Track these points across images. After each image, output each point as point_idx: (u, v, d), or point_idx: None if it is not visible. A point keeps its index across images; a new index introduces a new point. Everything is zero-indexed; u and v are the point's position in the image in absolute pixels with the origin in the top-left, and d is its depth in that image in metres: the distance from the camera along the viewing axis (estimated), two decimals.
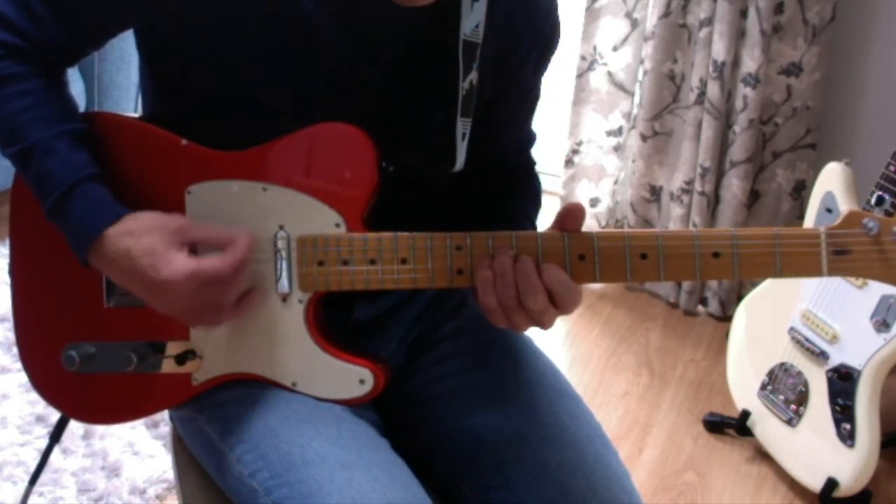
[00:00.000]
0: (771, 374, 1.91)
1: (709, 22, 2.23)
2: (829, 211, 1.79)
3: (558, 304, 0.88)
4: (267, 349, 0.98)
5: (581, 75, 2.50)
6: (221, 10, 0.89)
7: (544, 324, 0.89)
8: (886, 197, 1.67)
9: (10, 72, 0.92)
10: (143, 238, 0.90)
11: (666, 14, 2.31)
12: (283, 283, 0.95)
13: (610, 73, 2.48)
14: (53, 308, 1.03)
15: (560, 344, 2.33)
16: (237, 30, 0.90)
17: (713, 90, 2.26)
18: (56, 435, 1.17)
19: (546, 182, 1.16)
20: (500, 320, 0.90)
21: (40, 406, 1.88)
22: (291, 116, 0.93)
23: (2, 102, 0.92)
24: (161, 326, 0.99)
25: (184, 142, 0.96)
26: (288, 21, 0.90)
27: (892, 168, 1.68)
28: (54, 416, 1.81)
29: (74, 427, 1.80)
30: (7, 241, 1.05)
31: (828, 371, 1.77)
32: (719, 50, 2.22)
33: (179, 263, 0.89)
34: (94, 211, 0.92)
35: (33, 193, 0.94)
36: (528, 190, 1.13)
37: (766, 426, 1.93)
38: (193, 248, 0.92)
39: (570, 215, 0.89)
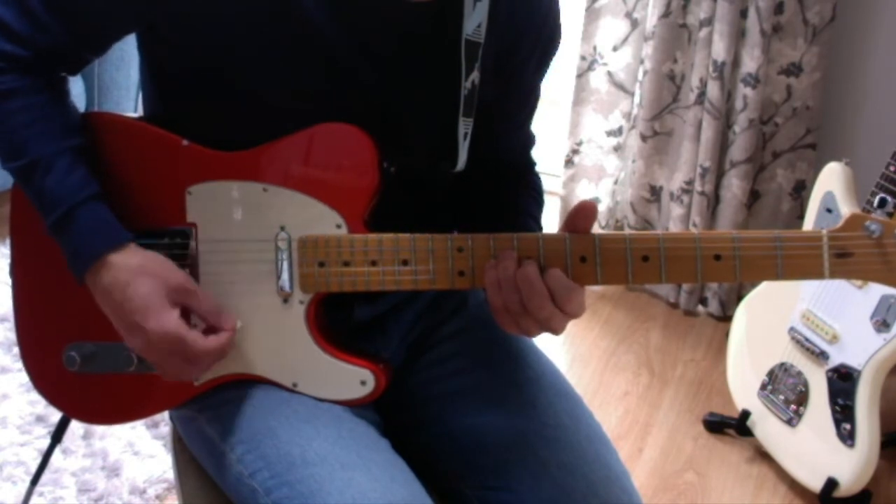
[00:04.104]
0: (771, 374, 1.91)
1: (709, 22, 2.23)
2: (829, 211, 1.79)
3: (560, 305, 0.87)
4: (268, 350, 0.98)
5: (581, 75, 2.50)
6: (222, 11, 0.89)
7: (553, 329, 0.89)
8: (889, 199, 1.67)
9: (12, 86, 0.92)
10: (143, 280, 0.91)
11: (666, 14, 2.31)
12: (284, 283, 0.95)
13: (610, 73, 2.48)
14: (54, 308, 1.03)
15: (560, 344, 2.34)
16: (237, 30, 0.90)
17: (713, 90, 2.26)
18: (57, 435, 1.17)
19: (546, 182, 1.16)
20: (510, 325, 0.90)
21: (40, 406, 1.87)
22: (292, 117, 0.93)
23: (5, 117, 0.92)
24: None
25: (184, 142, 0.96)
26: (288, 21, 0.90)
27: (892, 168, 1.68)
28: (54, 416, 1.81)
29: (74, 427, 1.80)
30: (7, 241, 1.05)
31: (828, 371, 1.77)
32: (719, 50, 2.22)
33: (168, 323, 0.90)
34: (94, 234, 0.92)
35: (35, 208, 0.94)
36: (530, 189, 1.13)
37: (766, 426, 1.93)
38: (185, 309, 0.94)
39: (582, 214, 0.88)
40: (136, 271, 0.91)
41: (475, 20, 0.95)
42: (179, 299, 0.92)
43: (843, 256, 0.85)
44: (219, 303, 0.95)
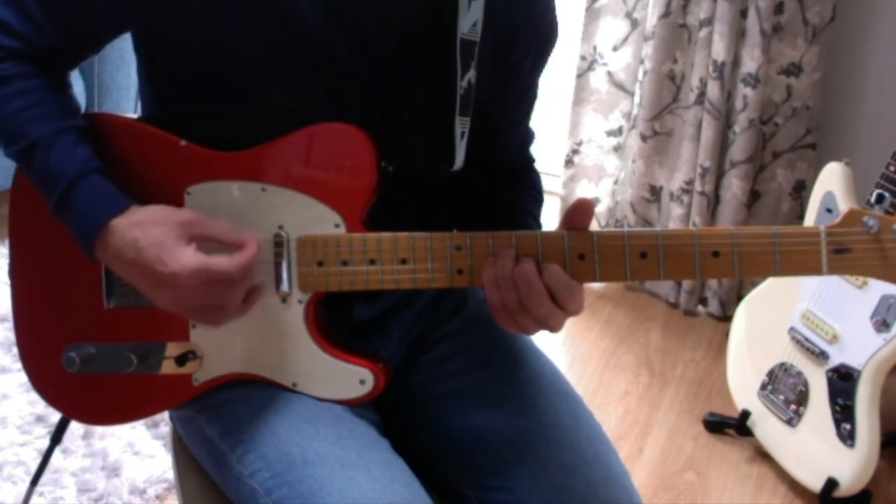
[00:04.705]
0: (771, 374, 1.91)
1: (709, 22, 2.23)
2: (829, 211, 1.79)
3: (560, 303, 0.87)
4: (267, 349, 0.98)
5: (581, 75, 2.50)
6: (222, 11, 0.89)
7: (552, 327, 0.89)
8: (886, 195, 1.67)
9: (11, 72, 0.92)
10: (150, 229, 0.89)
11: (666, 14, 2.31)
12: (283, 283, 0.95)
13: (610, 73, 2.48)
14: (53, 309, 1.03)
15: (560, 344, 2.33)
16: (237, 30, 0.90)
17: (713, 90, 2.26)
18: (57, 436, 1.17)
19: (546, 182, 1.17)
20: (508, 323, 0.90)
21: (40, 406, 1.87)
22: (290, 116, 0.93)
23: (4, 101, 0.92)
24: (161, 327, 0.99)
25: (183, 142, 0.96)
26: (288, 22, 0.90)
27: (892, 168, 1.68)
28: (54, 416, 1.81)
29: (74, 427, 1.79)
30: (7, 242, 1.05)
31: (828, 371, 1.77)
32: (719, 50, 2.22)
33: (187, 258, 0.87)
34: (99, 203, 0.91)
35: (38, 189, 0.94)
36: (529, 186, 1.13)
37: (766, 426, 1.93)
38: (199, 245, 0.91)
39: (580, 211, 0.88)
40: (141, 225, 0.89)
41: (470, 19, 0.95)
42: (191, 232, 0.90)
43: (841, 252, 0.85)
44: (232, 226, 0.93)
